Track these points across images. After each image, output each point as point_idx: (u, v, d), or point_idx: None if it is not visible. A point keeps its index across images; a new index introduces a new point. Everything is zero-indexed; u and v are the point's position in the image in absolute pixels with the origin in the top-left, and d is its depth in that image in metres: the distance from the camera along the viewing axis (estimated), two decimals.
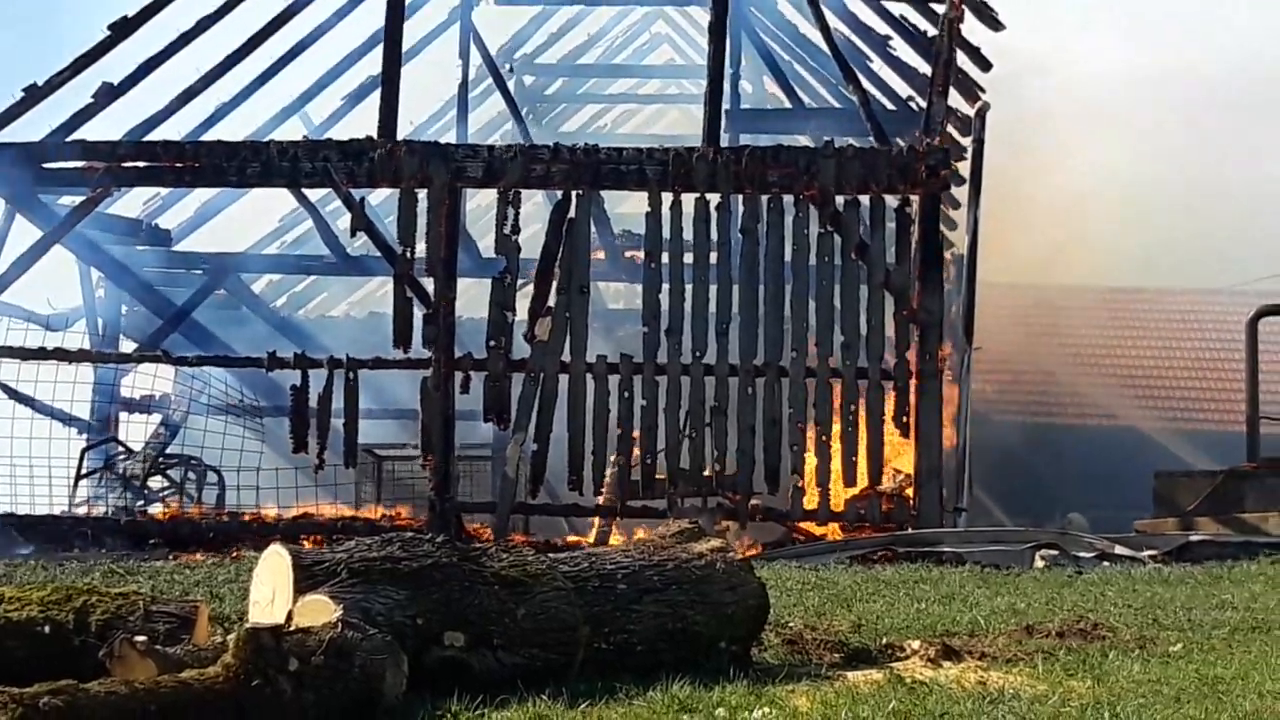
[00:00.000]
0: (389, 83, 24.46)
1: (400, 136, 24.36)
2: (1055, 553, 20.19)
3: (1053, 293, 45.19)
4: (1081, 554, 20.28)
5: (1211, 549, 20.47)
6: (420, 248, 23.73)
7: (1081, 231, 45.94)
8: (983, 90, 26.94)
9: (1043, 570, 18.78)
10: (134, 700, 7.60)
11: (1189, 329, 44.59)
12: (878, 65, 33.18)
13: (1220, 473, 25.96)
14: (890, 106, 32.29)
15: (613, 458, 23.18)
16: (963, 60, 25.73)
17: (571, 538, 24.75)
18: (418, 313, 23.55)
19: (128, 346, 28.21)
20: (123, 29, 25.48)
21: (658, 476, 23.23)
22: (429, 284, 23.66)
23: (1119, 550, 20.51)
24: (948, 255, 27.53)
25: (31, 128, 25.12)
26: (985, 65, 26.26)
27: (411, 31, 27.48)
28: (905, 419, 22.90)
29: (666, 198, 23.31)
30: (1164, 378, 42.79)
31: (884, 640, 11.67)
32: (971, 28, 25.32)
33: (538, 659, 9.77)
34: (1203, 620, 13.01)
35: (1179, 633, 12.35)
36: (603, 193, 24.69)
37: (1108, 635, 12.13)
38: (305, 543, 20.90)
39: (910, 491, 22.96)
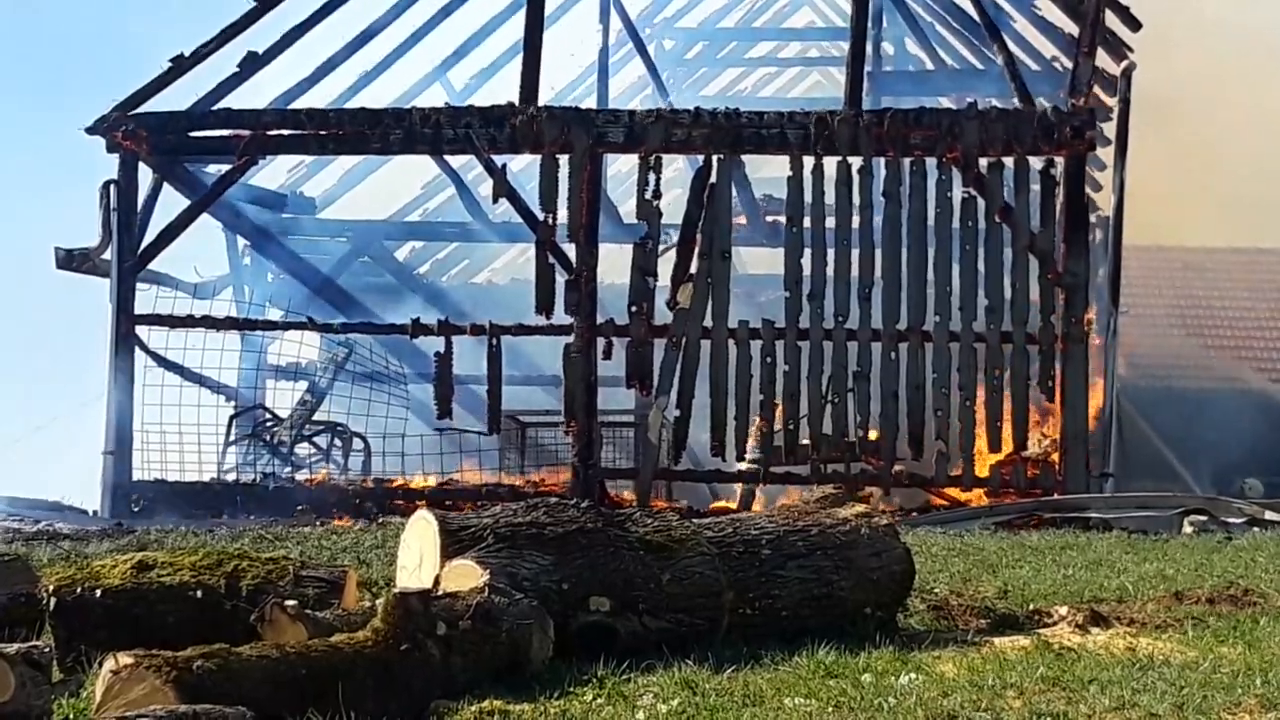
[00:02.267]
0: (530, 48, 24.51)
1: (541, 102, 24.40)
2: (1204, 518, 19.98)
3: (1201, 255, 44.58)
4: (1231, 519, 20.05)
5: None
6: (562, 214, 23.77)
7: (1227, 193, 45.24)
8: (1130, 50, 26.57)
9: (1191, 536, 18.59)
10: (285, 663, 7.69)
11: None
12: (1022, 25, 32.81)
13: None
14: (1034, 67, 31.96)
15: (756, 423, 23.15)
16: (1110, 19, 25.38)
17: (715, 504, 24.75)
18: (560, 279, 23.60)
19: (274, 314, 28.48)
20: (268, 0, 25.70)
21: (801, 442, 23.17)
22: (571, 250, 23.71)
23: (1269, 515, 20.24)
24: (1093, 218, 27.23)
25: (179, 97, 25.43)
26: (1135, 25, 25.87)
27: None
28: (1050, 384, 22.70)
29: (808, 162, 23.22)
30: None
31: (1031, 606, 11.60)
32: None
33: (683, 624, 9.78)
34: None
35: None
36: (744, 157, 24.57)
37: (1258, 601, 11.99)
38: (451, 509, 21.05)
39: (1056, 457, 22.75)
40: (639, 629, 9.58)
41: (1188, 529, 19.58)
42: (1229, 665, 9.21)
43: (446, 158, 27.80)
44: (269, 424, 27.82)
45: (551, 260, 23.63)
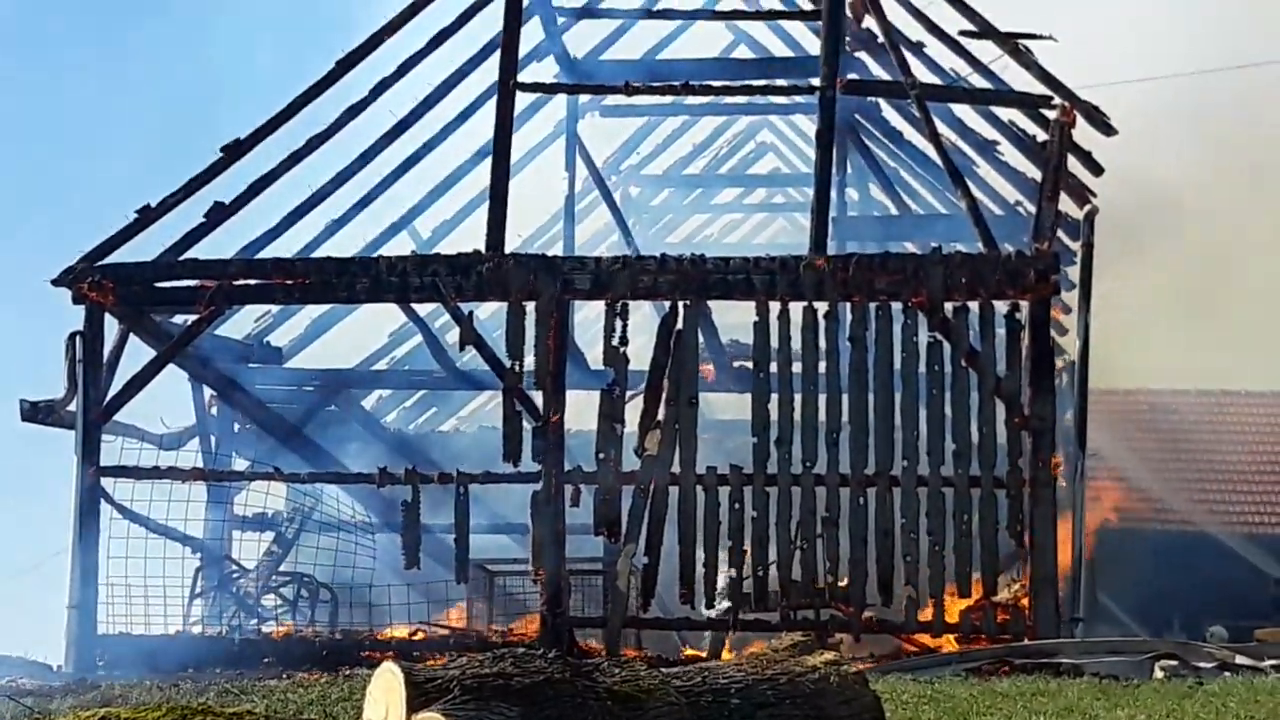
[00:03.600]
0: (496, 196, 24.62)
1: (508, 249, 24.48)
2: (1175, 663, 19.89)
3: (1168, 397, 44.76)
4: (1202, 664, 19.97)
5: None
6: (529, 360, 23.79)
7: (1201, 335, 45.50)
8: (1093, 194, 26.81)
9: (1162, 681, 18.50)
10: None
11: None
12: (985, 170, 33.07)
13: None
14: (998, 212, 32.18)
15: (725, 570, 23.07)
16: (1073, 164, 25.63)
17: (685, 652, 24.61)
18: (527, 426, 23.58)
19: (240, 464, 28.35)
20: (235, 150, 25.79)
21: (770, 589, 23.08)
22: (538, 397, 23.70)
23: (1240, 660, 20.17)
24: (1059, 362, 27.33)
25: (144, 249, 25.44)
26: (1097, 169, 26.13)
27: (518, 144, 27.59)
28: (1019, 528, 22.68)
29: (774, 307, 23.31)
30: None
31: None
32: (1083, 132, 25.22)
33: None
34: None
35: None
36: (710, 303, 24.64)
37: None
38: (420, 660, 20.89)
39: (1026, 601, 22.69)
40: None
41: (1159, 674, 19.50)
42: None
43: (413, 305, 27.84)
44: (235, 575, 27.66)
45: (519, 408, 23.62)
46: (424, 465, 25.26)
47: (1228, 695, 15.92)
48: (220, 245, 26.17)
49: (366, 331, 37.93)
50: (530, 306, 23.70)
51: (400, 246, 32.80)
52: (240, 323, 31.95)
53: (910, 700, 15.26)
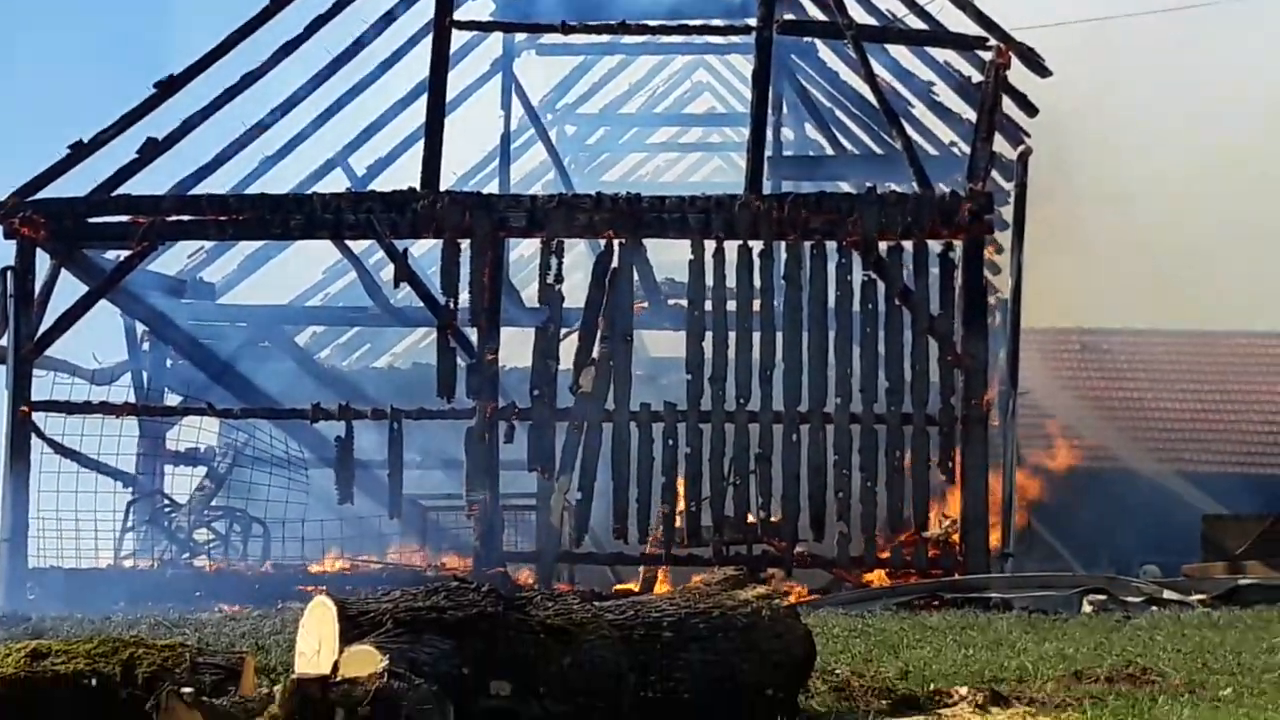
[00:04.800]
0: (432, 134, 24.55)
1: (443, 187, 24.43)
2: (1103, 598, 20.08)
3: (1100, 335, 45.06)
4: (1130, 599, 20.17)
5: (1260, 593, 20.34)
6: (464, 298, 23.78)
7: (1131, 273, 45.76)
8: (1027, 135, 26.89)
9: (1091, 616, 18.69)
10: None
11: (1241, 372, 44.30)
12: (920, 111, 33.12)
13: (1269, 516, 25.80)
14: (933, 152, 32.21)
15: (660, 507, 23.17)
16: (1007, 105, 25.69)
17: (617, 586, 24.71)
18: (461, 363, 23.58)
19: (173, 400, 28.27)
20: (168, 86, 25.60)
21: (703, 524, 23.19)
22: (473, 334, 23.70)
23: (1167, 595, 20.39)
24: (992, 300, 27.46)
25: (77, 184, 25.28)
26: (1031, 110, 26.20)
27: (454, 83, 27.52)
28: (950, 464, 22.83)
29: (709, 246, 23.35)
30: (1216, 421, 42.53)
31: (931, 687, 11.61)
32: (1018, 72, 25.29)
33: (584, 707, 9.73)
34: (1252, 664, 12.91)
35: (1229, 677, 12.25)
36: (645, 241, 24.65)
37: (1157, 680, 12.05)
38: (353, 594, 20.90)
39: (956, 537, 22.86)
40: (540, 713, 9.52)
41: (1087, 608, 19.69)
42: None
43: (348, 243, 27.75)
44: (167, 510, 27.60)
45: (453, 344, 23.62)
46: (358, 401, 25.23)
47: (1155, 629, 16.10)
48: (154, 181, 26.04)
49: (300, 268, 37.81)
50: (465, 244, 23.68)
51: (335, 183, 32.70)
52: (173, 258, 31.77)
53: (841, 634, 15.37)
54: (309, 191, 26.87)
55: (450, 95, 26.17)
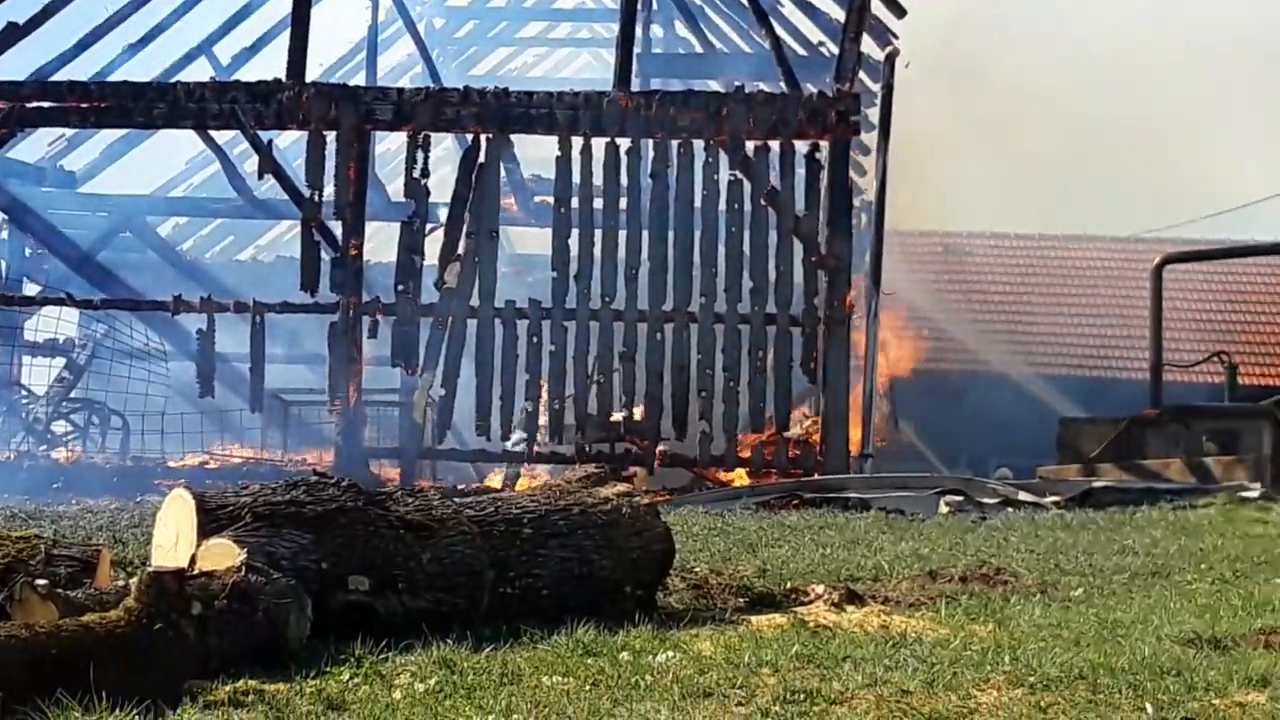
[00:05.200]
0: (298, 24, 24.26)
1: (309, 79, 24.19)
2: (960, 499, 20.29)
3: (963, 239, 45.45)
4: (986, 500, 20.40)
5: (1113, 495, 20.62)
6: (329, 191, 23.60)
7: (991, 178, 46.15)
8: (895, 36, 26.98)
9: (947, 516, 18.89)
10: (35, 644, 7.54)
11: (1098, 277, 44.84)
12: (789, 10, 33.16)
13: (1123, 420, 26.16)
14: (802, 52, 32.27)
15: (523, 404, 23.18)
16: (876, 5, 25.74)
17: (480, 483, 24.75)
18: (326, 257, 23.43)
19: (31, 290, 27.93)
20: None
21: (566, 422, 23.24)
22: (337, 228, 23.54)
23: (1023, 496, 20.64)
24: (857, 202, 27.59)
25: None
26: (900, 11, 26.27)
27: None
28: (813, 365, 22.98)
29: (576, 142, 23.28)
30: (1073, 325, 43.06)
31: (788, 585, 11.72)
32: None
33: (443, 603, 9.76)
34: (1104, 565, 13.13)
35: (1080, 578, 12.46)
36: (513, 137, 24.55)
37: (1010, 580, 12.24)
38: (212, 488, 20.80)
39: (817, 437, 23.03)
40: (398, 608, 9.54)
41: (944, 509, 19.89)
42: (979, 643, 9.39)
43: (212, 133, 27.42)
44: (25, 401, 27.32)
45: (317, 238, 23.45)
46: (220, 294, 25.01)
47: (1009, 530, 16.31)
48: (13, 67, 25.57)
49: (163, 158, 37.42)
50: (331, 137, 23.46)
51: (199, 72, 32.28)
52: (34, 146, 31.37)
53: (701, 532, 15.47)
54: (173, 80, 26.48)
55: None
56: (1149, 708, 7.72)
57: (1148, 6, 55.05)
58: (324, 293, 23.40)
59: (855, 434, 23.60)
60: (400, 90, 24.49)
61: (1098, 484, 21.71)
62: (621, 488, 11.33)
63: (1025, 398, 37.34)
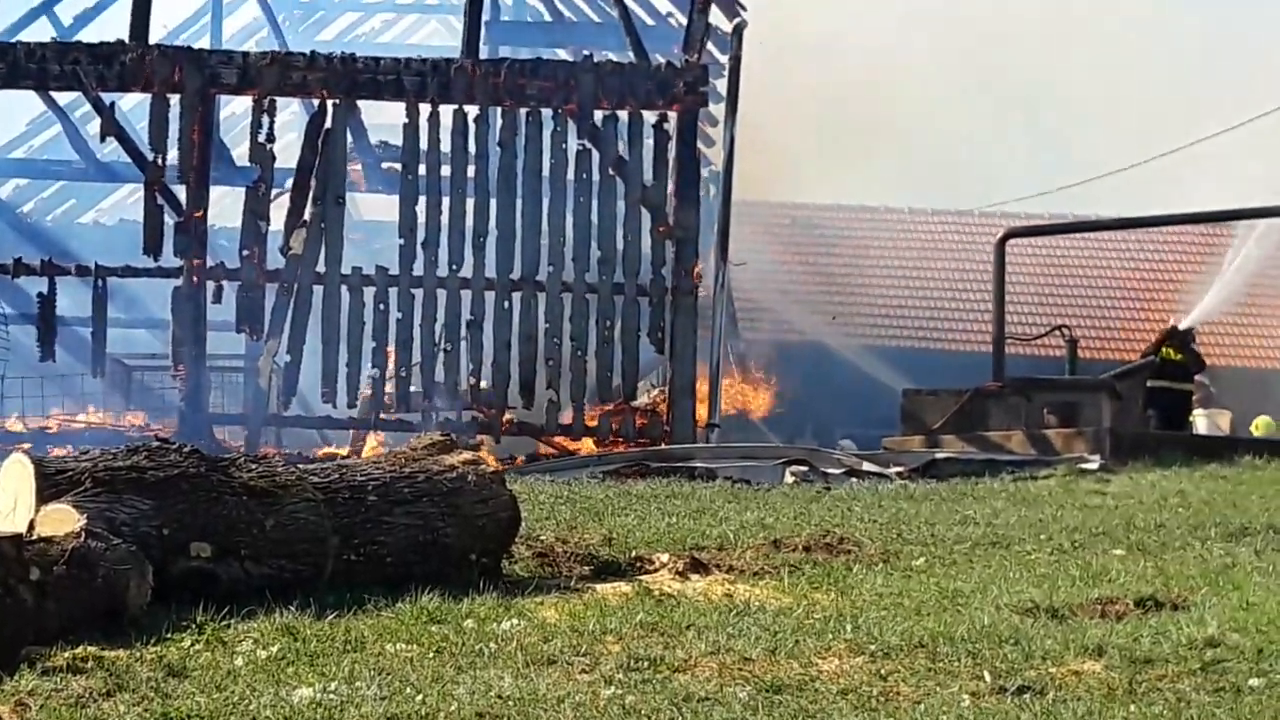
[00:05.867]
0: None
1: (153, 41, 23.90)
2: (805, 469, 20.42)
3: (811, 211, 45.72)
4: (830, 470, 20.54)
5: (956, 466, 20.80)
6: (173, 155, 23.35)
7: (835, 150, 46.45)
8: (743, 8, 27.05)
9: (792, 486, 18.99)
10: None
11: (940, 250, 45.26)
12: None
13: (966, 392, 26.38)
14: (650, 22, 32.33)
15: (368, 370, 23.09)
16: None
17: (325, 450, 24.62)
18: (169, 221, 23.20)
19: None
20: None
21: (412, 390, 23.17)
22: (181, 192, 23.30)
23: (867, 467, 20.79)
24: (705, 173, 27.67)
25: None
26: None
27: None
28: (660, 335, 23.04)
29: (424, 109, 23.18)
30: (916, 298, 43.45)
31: (634, 553, 11.76)
32: None
33: (286, 570, 9.72)
34: (945, 535, 13.26)
35: (922, 547, 12.57)
36: (361, 103, 24.39)
37: (853, 550, 12.32)
38: (52, 452, 20.55)
39: (664, 407, 23.11)
40: (241, 575, 9.49)
41: (789, 479, 20.01)
42: (821, 611, 9.47)
43: (53, 94, 27.02)
44: None
45: (161, 202, 23.21)
46: (61, 257, 24.69)
47: (853, 500, 16.42)
48: None
49: (3, 119, 36.83)
50: (175, 99, 23.21)
51: (39, 32, 31.78)
52: None
53: (547, 500, 15.46)
54: (12, 39, 26.03)
55: None
56: (987, 676, 7.83)
57: None
58: (168, 257, 23.17)
59: (702, 405, 23.70)
60: (245, 54, 24.28)
61: (940, 455, 21.89)
62: (467, 455, 11.32)
63: (870, 369, 37.65)
